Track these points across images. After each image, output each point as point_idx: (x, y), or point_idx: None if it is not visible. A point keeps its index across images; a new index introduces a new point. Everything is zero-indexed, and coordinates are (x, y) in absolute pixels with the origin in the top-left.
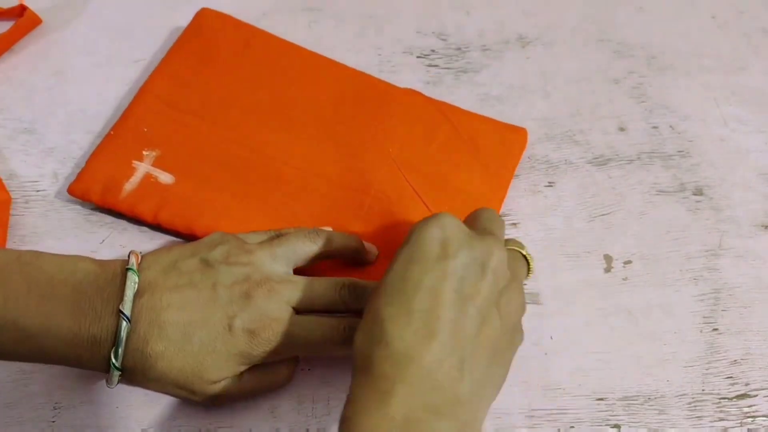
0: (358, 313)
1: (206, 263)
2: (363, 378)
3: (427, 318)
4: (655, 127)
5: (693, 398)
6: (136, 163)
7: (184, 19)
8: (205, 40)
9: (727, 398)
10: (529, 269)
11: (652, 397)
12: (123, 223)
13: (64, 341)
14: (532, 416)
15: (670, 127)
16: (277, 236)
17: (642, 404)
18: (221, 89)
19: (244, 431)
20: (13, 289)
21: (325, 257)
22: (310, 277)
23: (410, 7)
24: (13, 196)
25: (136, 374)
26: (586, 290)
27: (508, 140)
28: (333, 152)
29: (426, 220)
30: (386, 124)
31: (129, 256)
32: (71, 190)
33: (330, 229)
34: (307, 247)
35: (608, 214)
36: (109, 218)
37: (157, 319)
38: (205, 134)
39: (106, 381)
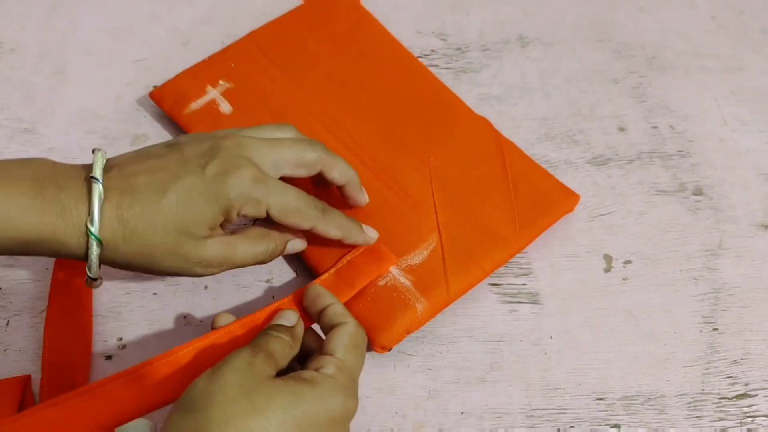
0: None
1: (171, 144)
2: None
3: None
4: (655, 127)
5: (693, 398)
6: (209, 88)
7: (184, 19)
8: (321, 12)
9: (727, 398)
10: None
11: (651, 397)
12: None
13: (31, 212)
14: (532, 416)
15: (670, 127)
16: None
17: (642, 404)
18: (315, 57)
19: None
20: None
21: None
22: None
23: (410, 7)
24: None
25: (118, 246)
26: (586, 290)
27: (553, 198)
28: (378, 140)
29: (226, 361)
30: (441, 136)
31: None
32: (152, 95)
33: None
34: (276, 131)
35: (608, 214)
36: None
37: (128, 186)
38: (280, 87)
39: (87, 272)
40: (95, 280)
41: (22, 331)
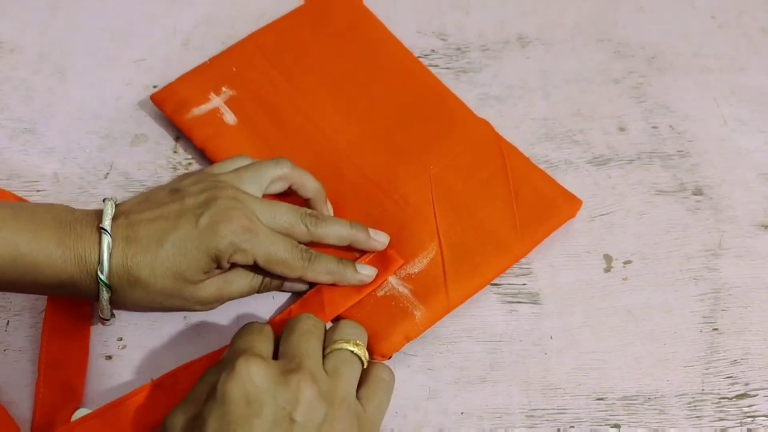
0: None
1: (175, 190)
2: None
3: None
4: (655, 127)
5: (693, 398)
6: (212, 95)
7: (184, 19)
8: (321, 12)
9: (727, 398)
10: (363, 362)
11: (651, 397)
12: None
13: (54, 258)
14: (532, 416)
15: (670, 127)
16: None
17: (642, 404)
18: (314, 59)
19: None
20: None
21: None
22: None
23: (410, 7)
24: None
25: (125, 291)
26: (586, 290)
27: (555, 204)
28: (378, 147)
29: (226, 375)
30: (442, 141)
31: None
32: (154, 98)
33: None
34: (271, 171)
35: (608, 214)
36: None
37: (132, 234)
38: (282, 92)
39: (100, 314)
40: (106, 319)
41: (22, 331)
